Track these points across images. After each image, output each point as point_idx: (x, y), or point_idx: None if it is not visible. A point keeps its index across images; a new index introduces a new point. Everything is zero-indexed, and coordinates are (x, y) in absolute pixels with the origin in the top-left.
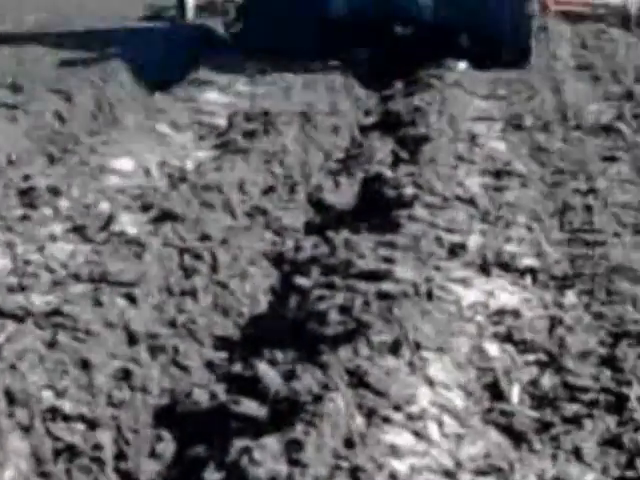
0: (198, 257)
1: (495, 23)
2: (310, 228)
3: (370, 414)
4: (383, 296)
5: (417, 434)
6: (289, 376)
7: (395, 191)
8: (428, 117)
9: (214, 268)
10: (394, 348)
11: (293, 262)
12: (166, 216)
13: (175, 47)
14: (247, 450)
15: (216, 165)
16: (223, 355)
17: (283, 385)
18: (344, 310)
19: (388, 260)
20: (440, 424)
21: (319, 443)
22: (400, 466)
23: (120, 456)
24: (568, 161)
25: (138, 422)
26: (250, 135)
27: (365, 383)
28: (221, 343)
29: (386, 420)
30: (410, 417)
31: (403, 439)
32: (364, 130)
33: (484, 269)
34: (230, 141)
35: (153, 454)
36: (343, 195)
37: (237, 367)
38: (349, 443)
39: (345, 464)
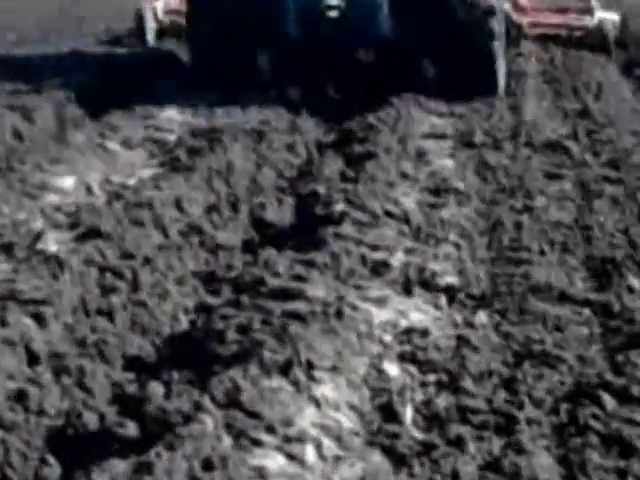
0: (119, 276)
1: (459, 51)
2: (248, 247)
3: (239, 436)
4: (288, 315)
5: (291, 457)
6: (168, 397)
7: (326, 208)
8: (379, 134)
9: (135, 287)
10: (285, 368)
11: (221, 281)
12: (92, 234)
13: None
14: (88, 473)
15: (155, 183)
16: (130, 376)
17: (159, 407)
18: (242, 330)
19: (301, 279)
20: (319, 446)
21: (171, 466)
22: None
23: None
24: (511, 178)
25: (28, 445)
26: (196, 152)
27: (239, 404)
28: (131, 364)
29: (256, 442)
30: (287, 439)
31: (273, 462)
32: (322, 148)
33: (405, 287)
34: (175, 158)
35: (37, 478)
36: (285, 213)
37: (132, 388)
38: (208, 466)
39: None
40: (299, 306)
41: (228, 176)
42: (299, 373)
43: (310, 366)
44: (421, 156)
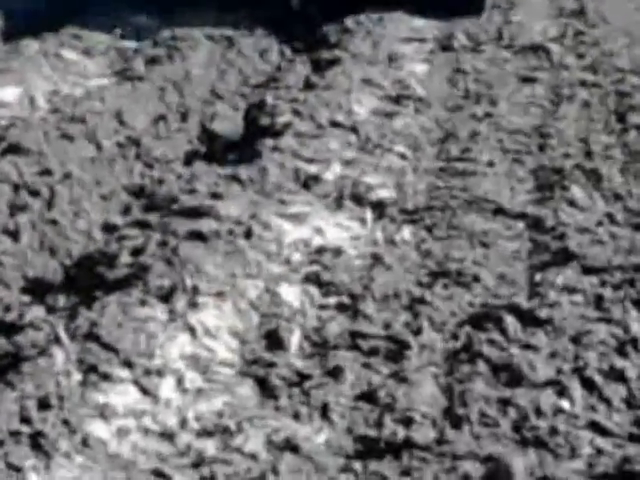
0: (34, 193)
1: None
2: (191, 160)
3: (89, 371)
4: (191, 236)
5: (145, 392)
6: (31, 327)
7: (270, 119)
8: (352, 39)
9: (50, 205)
10: (167, 295)
11: (146, 197)
12: (12, 149)
13: None
14: None
15: (100, 94)
16: (25, 299)
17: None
18: (137, 252)
19: (218, 196)
20: (180, 379)
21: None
22: (103, 429)
23: None
24: (482, 83)
25: None
26: (153, 61)
27: (97, 337)
28: (32, 286)
29: (107, 377)
30: (146, 373)
31: (122, 398)
32: (295, 54)
33: (335, 203)
34: (130, 68)
35: None
36: (237, 125)
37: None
38: (44, 404)
39: (27, 429)
40: (206, 225)
41: (184, 86)
42: (181, 299)
43: (195, 291)
44: (393, 61)
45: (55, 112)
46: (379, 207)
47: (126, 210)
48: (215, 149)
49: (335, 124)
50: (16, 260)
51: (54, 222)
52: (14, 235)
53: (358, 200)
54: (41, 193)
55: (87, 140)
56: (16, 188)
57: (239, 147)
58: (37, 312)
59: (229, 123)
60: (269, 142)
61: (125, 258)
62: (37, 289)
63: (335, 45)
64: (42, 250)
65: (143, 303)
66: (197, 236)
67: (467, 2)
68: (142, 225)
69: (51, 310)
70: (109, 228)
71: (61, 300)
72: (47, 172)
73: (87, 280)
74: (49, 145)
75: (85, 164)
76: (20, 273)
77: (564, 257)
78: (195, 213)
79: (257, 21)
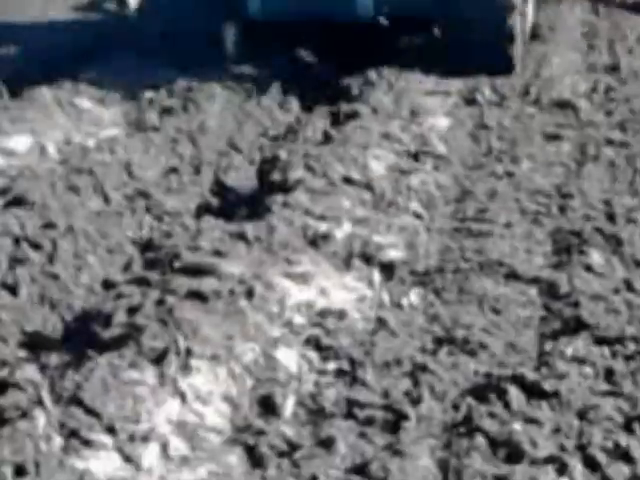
0: (36, 247)
1: (463, 22)
2: (201, 213)
3: (71, 436)
4: (191, 295)
5: (128, 459)
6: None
7: (282, 174)
8: (374, 91)
9: (51, 258)
10: (160, 357)
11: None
12: (16, 201)
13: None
14: None
15: (111, 145)
16: (22, 354)
17: None
18: (133, 311)
19: (221, 254)
20: (165, 446)
21: None
22: None
23: None
24: (505, 140)
25: None
26: (168, 112)
27: (80, 401)
28: (30, 340)
29: (89, 443)
30: (130, 439)
31: (103, 465)
32: (315, 106)
33: (343, 262)
34: (144, 118)
35: None
36: (249, 178)
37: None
38: (20, 471)
39: None
40: (207, 284)
41: (199, 137)
42: (173, 362)
43: (189, 354)
44: (415, 115)
45: (64, 163)
46: (388, 268)
47: (127, 266)
48: (227, 203)
49: (349, 180)
50: (15, 314)
51: (55, 276)
52: (13, 289)
53: (367, 260)
54: (43, 246)
55: (94, 192)
56: (17, 241)
57: (250, 202)
58: (28, 370)
59: (243, 176)
60: (280, 198)
61: (120, 317)
62: (35, 344)
63: (356, 98)
64: (42, 304)
65: (134, 365)
66: (197, 295)
67: (496, 62)
68: (141, 282)
69: (43, 368)
70: (108, 284)
71: (54, 358)
72: (50, 225)
73: (82, 338)
74: (55, 197)
75: (91, 217)
76: (18, 328)
77: (576, 326)
78: (197, 271)
79: (276, 72)
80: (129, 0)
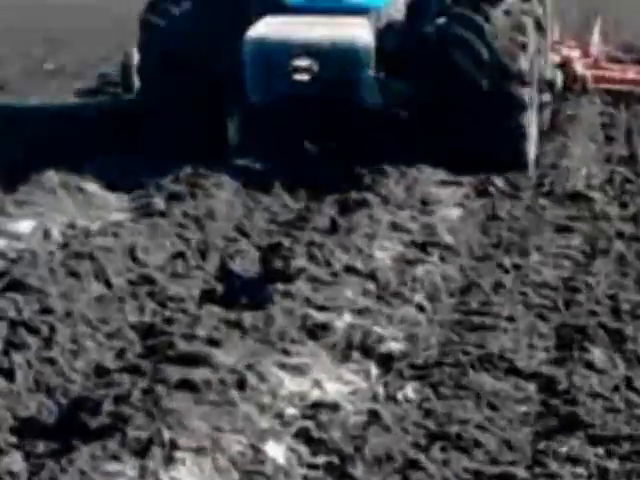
0: (33, 331)
1: (475, 121)
2: (205, 299)
3: None
4: (182, 385)
5: None
6: None
7: (284, 262)
8: (386, 180)
9: (48, 343)
10: (143, 448)
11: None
12: (14, 285)
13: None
14: None
15: (115, 229)
16: (13, 440)
17: None
18: (120, 400)
19: (215, 342)
20: None
21: None
22: None
23: None
24: (515, 232)
25: None
26: (175, 198)
27: None
28: (23, 426)
29: None
30: None
31: None
32: (326, 194)
33: (342, 354)
34: (151, 204)
35: None
36: (254, 265)
37: None
38: None
39: None
40: (198, 374)
41: (206, 223)
42: (156, 454)
43: (173, 446)
44: (426, 205)
45: (65, 247)
46: (387, 360)
47: (122, 353)
48: (230, 289)
49: (352, 270)
50: (9, 400)
51: (52, 361)
52: (9, 374)
53: (366, 352)
54: (40, 331)
55: (96, 277)
56: (14, 325)
57: (252, 289)
58: (13, 459)
59: (249, 263)
60: (280, 287)
61: (108, 406)
62: (28, 430)
63: (367, 187)
64: (37, 390)
65: (116, 457)
66: (187, 385)
67: (509, 159)
68: (133, 370)
69: (28, 456)
70: (102, 371)
71: (40, 446)
72: (48, 310)
73: (71, 426)
74: (54, 282)
75: (92, 302)
76: (12, 413)
77: (572, 424)
78: (190, 360)
79: (284, 161)
80: (135, 84)
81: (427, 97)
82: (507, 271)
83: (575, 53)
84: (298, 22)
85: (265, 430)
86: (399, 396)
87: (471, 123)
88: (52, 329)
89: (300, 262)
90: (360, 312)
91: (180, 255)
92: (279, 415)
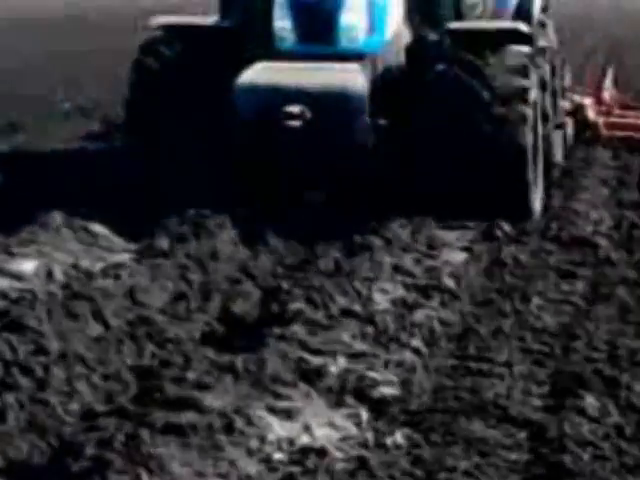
0: (27, 372)
1: (475, 169)
2: (204, 342)
3: None
4: (167, 430)
5: None
6: None
7: (280, 306)
8: (392, 224)
9: (42, 384)
10: None
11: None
12: (10, 326)
13: None
14: None
15: (116, 271)
16: None
17: None
18: (103, 444)
19: (204, 386)
20: None
21: None
22: None
23: None
24: (519, 277)
25: None
26: (179, 239)
27: None
28: (13, 468)
29: None
30: None
31: None
32: (331, 239)
33: (335, 398)
34: (154, 245)
35: None
36: (255, 308)
37: None
38: None
39: None
40: (185, 418)
41: (209, 264)
42: None
43: None
44: (431, 248)
45: (66, 288)
46: (379, 406)
47: (111, 396)
48: (230, 332)
49: (350, 314)
50: (0, 441)
51: (45, 402)
52: (1, 414)
53: (359, 397)
54: (34, 372)
55: (94, 318)
56: (7, 366)
57: (250, 332)
58: None
59: (250, 305)
60: (276, 330)
61: (90, 450)
62: (18, 473)
63: (373, 230)
64: (29, 431)
65: None
66: (174, 429)
67: (513, 210)
68: (120, 414)
69: None
70: (90, 414)
71: None
72: (42, 351)
73: (54, 470)
74: (51, 323)
75: (89, 343)
76: (2, 454)
77: (559, 473)
78: (178, 404)
79: (290, 205)
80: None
81: (427, 142)
82: (507, 316)
83: (587, 100)
84: (291, 68)
85: (250, 476)
86: (388, 442)
87: (473, 170)
88: (46, 370)
89: (297, 305)
90: (355, 356)
91: (182, 296)
92: (266, 460)
